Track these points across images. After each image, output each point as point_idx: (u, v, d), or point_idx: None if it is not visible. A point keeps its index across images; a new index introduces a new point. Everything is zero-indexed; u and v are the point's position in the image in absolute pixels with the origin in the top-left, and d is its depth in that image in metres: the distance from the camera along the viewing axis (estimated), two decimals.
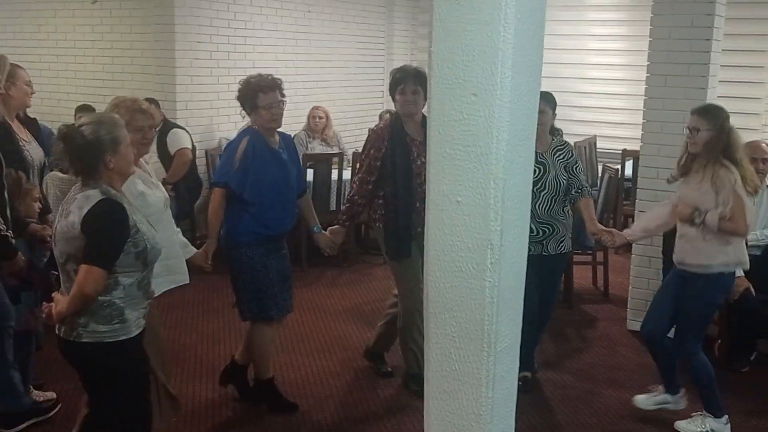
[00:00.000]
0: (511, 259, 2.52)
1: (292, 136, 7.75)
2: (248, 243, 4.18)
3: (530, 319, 3.38)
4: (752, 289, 4.82)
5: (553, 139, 4.68)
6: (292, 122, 8.62)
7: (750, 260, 4.92)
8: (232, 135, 7.79)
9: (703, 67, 5.29)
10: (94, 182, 2.90)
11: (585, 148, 8.16)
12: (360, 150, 5.12)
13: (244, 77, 4.35)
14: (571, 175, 4.64)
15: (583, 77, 9.30)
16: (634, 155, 6.95)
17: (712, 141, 3.99)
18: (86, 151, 2.87)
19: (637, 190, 5.76)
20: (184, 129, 7.00)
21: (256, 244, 4.19)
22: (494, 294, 2.47)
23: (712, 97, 5.37)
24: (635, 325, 5.70)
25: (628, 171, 7.77)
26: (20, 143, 4.35)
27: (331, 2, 9.33)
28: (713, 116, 4.03)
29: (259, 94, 4.18)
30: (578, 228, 5.96)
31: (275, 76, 4.32)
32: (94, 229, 2.82)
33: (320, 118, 8.02)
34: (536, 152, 4.13)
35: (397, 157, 4.44)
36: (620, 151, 8.14)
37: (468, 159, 2.41)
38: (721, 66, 5.55)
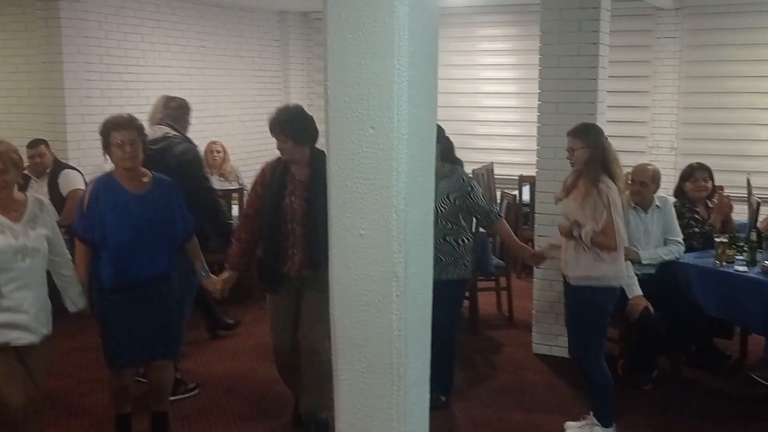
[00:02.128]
0: (416, 290, 2.51)
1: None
2: (111, 288, 4.01)
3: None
4: (651, 308, 4.98)
5: (444, 166, 4.64)
6: None
7: (645, 279, 5.12)
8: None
9: (592, 94, 5.48)
10: None
11: (483, 174, 8.30)
12: None
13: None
14: (470, 202, 4.69)
15: (477, 106, 9.50)
16: (531, 180, 7.12)
17: (590, 158, 4.22)
18: None
19: (535, 214, 5.89)
20: (76, 169, 6.76)
21: (117, 290, 4.01)
22: (401, 327, 2.45)
23: (602, 122, 5.56)
24: (541, 348, 5.82)
25: (526, 196, 7.94)
26: None
27: (225, 37, 9.27)
28: (586, 134, 4.29)
29: (112, 132, 4.01)
30: (481, 254, 6.07)
31: (134, 116, 4.16)
32: None
33: (218, 152, 7.91)
34: None
35: (269, 195, 4.32)
36: (517, 177, 8.33)
37: (368, 192, 2.40)
38: (608, 92, 5.76)
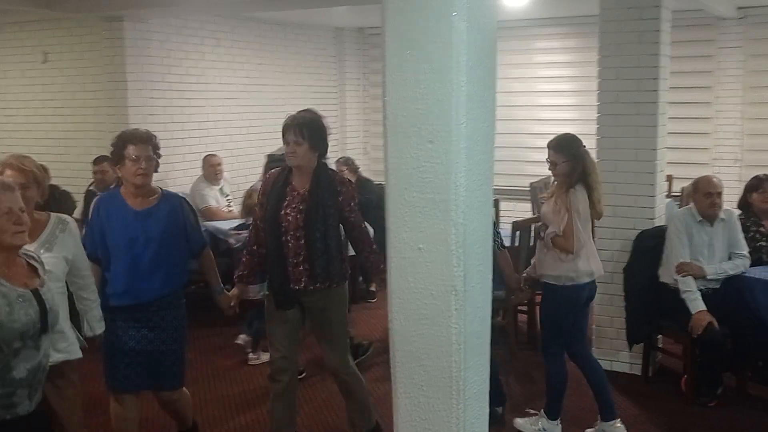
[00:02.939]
0: (475, 304, 2.51)
1: (251, 186, 7.80)
2: (114, 308, 3.87)
3: None
4: (715, 323, 4.87)
5: None
6: (248, 173, 8.62)
7: (709, 293, 5.01)
8: (187, 189, 7.78)
9: (652, 106, 5.40)
10: None
11: (540, 189, 8.23)
12: None
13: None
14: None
15: (535, 118, 9.43)
16: None
17: (571, 170, 4.42)
18: None
19: (595, 228, 5.81)
20: None
21: (120, 310, 3.87)
22: (461, 340, 2.44)
23: (662, 134, 5.48)
24: (602, 363, 5.70)
25: None
26: None
27: (283, 55, 9.40)
28: (567, 148, 4.51)
29: (129, 145, 3.87)
30: None
31: (152, 133, 4.03)
32: None
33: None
34: None
35: (268, 207, 4.16)
36: None
37: (427, 206, 2.41)
38: (670, 103, 5.67)
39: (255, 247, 4.27)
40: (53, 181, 7.27)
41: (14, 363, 2.70)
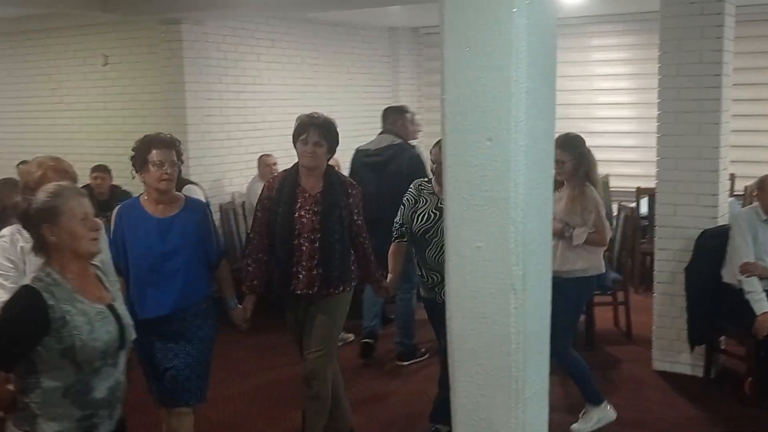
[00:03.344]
0: (534, 303, 2.48)
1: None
2: (140, 321, 3.47)
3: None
4: None
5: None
6: None
7: None
8: (244, 189, 7.87)
9: (715, 102, 5.28)
10: (45, 264, 2.63)
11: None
12: None
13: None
14: None
15: (592, 117, 9.31)
16: (649, 193, 6.92)
17: (576, 168, 4.55)
18: (27, 221, 2.64)
19: (655, 228, 5.71)
20: (197, 185, 7.03)
21: (145, 323, 3.59)
22: (520, 340, 2.42)
23: (725, 132, 5.35)
24: (662, 365, 5.63)
25: (644, 209, 7.72)
26: None
27: (337, 54, 9.44)
28: (573, 147, 4.60)
29: (153, 150, 3.71)
30: None
31: (175, 137, 3.90)
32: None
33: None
34: (439, 198, 4.32)
35: (279, 210, 4.07)
36: (634, 189, 8.11)
37: (486, 204, 2.39)
38: (733, 100, 5.54)
39: (261, 255, 4.15)
40: (114, 182, 7.49)
41: (94, 383, 2.61)
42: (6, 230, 3.29)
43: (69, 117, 8.57)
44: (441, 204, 4.31)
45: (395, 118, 6.24)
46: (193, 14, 7.22)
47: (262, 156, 7.81)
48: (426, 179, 4.61)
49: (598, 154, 9.09)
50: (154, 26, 7.64)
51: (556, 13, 2.53)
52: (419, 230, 4.35)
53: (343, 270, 4.12)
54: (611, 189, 8.51)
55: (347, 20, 9.34)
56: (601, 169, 8.75)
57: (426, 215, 4.36)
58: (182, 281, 3.75)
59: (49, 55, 8.70)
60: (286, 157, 8.40)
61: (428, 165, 6.08)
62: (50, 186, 2.71)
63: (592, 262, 4.66)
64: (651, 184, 5.96)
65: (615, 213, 7.19)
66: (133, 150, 3.79)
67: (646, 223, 7.40)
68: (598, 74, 9.33)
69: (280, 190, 4.11)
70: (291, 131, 9.11)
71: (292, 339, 4.35)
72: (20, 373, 2.57)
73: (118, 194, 7.38)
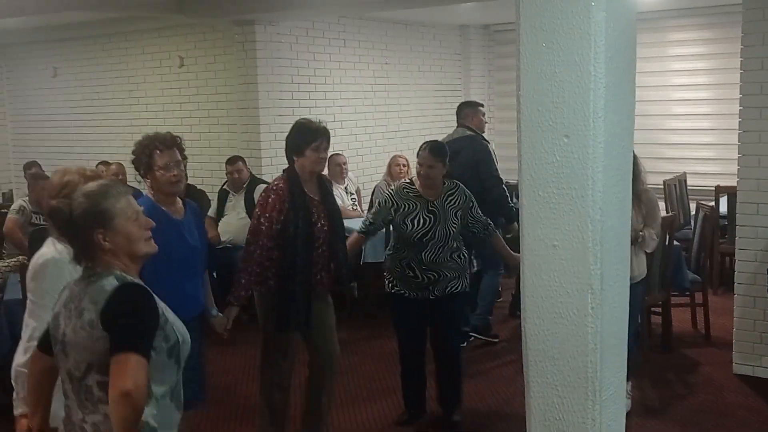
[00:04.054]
0: (613, 303, 2.43)
1: (374, 185, 7.90)
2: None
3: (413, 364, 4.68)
4: None
5: (444, 184, 4.65)
6: (373, 172, 8.72)
7: None
8: None
9: None
10: (102, 269, 2.34)
11: (675, 185, 7.92)
12: None
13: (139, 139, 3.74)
14: (470, 217, 4.67)
15: (669, 114, 9.08)
16: (729, 191, 6.71)
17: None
18: (72, 228, 2.34)
19: (737, 227, 5.54)
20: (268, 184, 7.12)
21: None
22: (597, 340, 2.37)
23: None
24: (743, 368, 5.45)
25: (723, 208, 7.49)
26: None
27: (408, 53, 9.44)
28: None
29: (156, 152, 3.54)
30: (675, 269, 5.80)
31: (175, 134, 3.72)
32: (119, 315, 2.25)
33: (403, 165, 8.03)
34: (428, 200, 4.56)
35: (299, 221, 4.04)
36: (713, 188, 7.88)
37: (562, 202, 2.35)
38: None
39: (256, 268, 4.07)
40: (189, 181, 7.64)
41: (182, 382, 2.49)
42: (48, 250, 2.98)
43: (146, 118, 8.79)
44: (432, 207, 4.54)
45: (468, 111, 6.47)
46: (266, 15, 7.31)
47: (332, 155, 7.85)
48: (409, 181, 4.74)
49: (675, 152, 9.00)
50: (228, 28, 7.78)
51: (635, 7, 2.48)
52: (415, 235, 4.51)
53: (348, 270, 4.47)
54: (689, 187, 8.30)
55: (418, 19, 9.33)
56: (679, 167, 8.66)
57: (420, 220, 4.52)
58: (195, 284, 3.69)
59: (128, 57, 8.94)
60: (355, 156, 8.48)
61: (495, 157, 6.26)
62: (93, 186, 2.41)
63: (640, 269, 4.68)
64: (731, 182, 5.78)
65: (693, 212, 6.99)
66: (134, 153, 3.63)
67: (726, 223, 7.18)
68: (676, 70, 9.09)
69: (292, 202, 4.07)
70: (361, 130, 9.15)
71: (283, 339, 4.23)
72: None
73: (192, 193, 7.52)
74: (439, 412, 4.85)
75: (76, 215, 2.31)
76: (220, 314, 4.00)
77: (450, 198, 4.61)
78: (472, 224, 4.70)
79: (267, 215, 4.06)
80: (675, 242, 5.69)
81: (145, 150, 3.57)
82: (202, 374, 3.79)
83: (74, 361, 2.31)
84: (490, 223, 4.78)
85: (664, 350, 5.93)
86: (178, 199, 3.69)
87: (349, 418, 5.01)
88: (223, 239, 6.94)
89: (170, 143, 3.60)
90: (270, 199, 4.09)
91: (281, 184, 4.14)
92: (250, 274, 4.05)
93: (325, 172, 7.70)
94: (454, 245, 4.61)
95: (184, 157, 3.68)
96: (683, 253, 6.15)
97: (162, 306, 2.37)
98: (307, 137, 4.16)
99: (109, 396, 2.18)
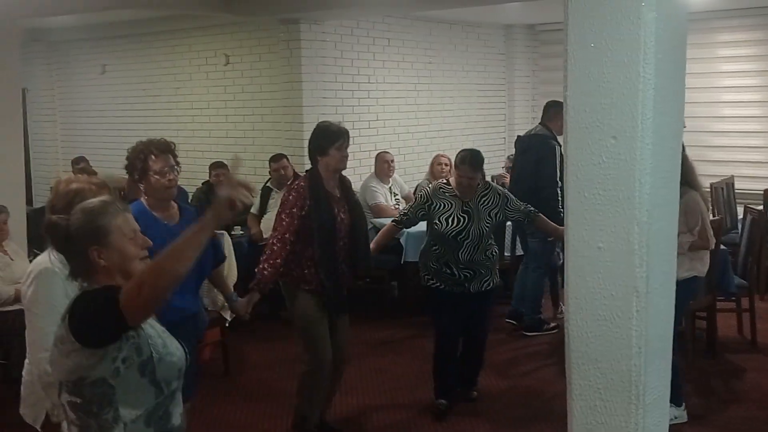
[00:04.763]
0: (658, 306, 2.41)
1: (416, 184, 7.90)
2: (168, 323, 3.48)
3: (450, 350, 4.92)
4: None
5: (478, 185, 4.86)
6: (415, 172, 8.72)
7: None
8: (357, 187, 7.95)
9: None
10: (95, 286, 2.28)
11: (722, 189, 7.79)
12: None
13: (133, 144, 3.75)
14: (509, 211, 4.90)
15: (716, 116, 8.94)
16: None
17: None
18: (68, 244, 2.31)
19: None
20: None
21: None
22: (641, 344, 2.35)
23: None
24: None
25: None
26: None
27: (452, 53, 9.42)
28: None
29: (151, 157, 3.59)
30: (721, 273, 5.72)
31: (168, 140, 3.72)
32: (84, 304, 2.20)
33: (445, 165, 8.03)
34: (463, 201, 4.79)
35: (322, 215, 4.24)
36: (761, 192, 7.74)
37: (608, 203, 2.33)
38: None
39: (279, 260, 4.22)
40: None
41: (171, 408, 2.34)
42: (44, 260, 3.00)
43: (191, 115, 8.90)
44: (467, 207, 4.78)
45: (554, 111, 6.50)
46: (312, 14, 7.36)
47: (380, 153, 7.89)
48: (446, 181, 4.98)
49: (722, 155, 8.85)
50: (274, 26, 7.84)
51: (687, 7, 2.45)
52: (449, 233, 4.74)
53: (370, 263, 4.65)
54: (736, 191, 8.16)
55: (463, 18, 9.31)
56: (726, 170, 8.52)
57: (454, 219, 4.75)
58: (187, 289, 3.67)
59: (174, 55, 9.06)
60: (398, 155, 8.49)
61: (560, 160, 6.31)
62: (92, 202, 2.36)
63: (694, 266, 4.69)
64: None
65: (740, 216, 6.87)
66: (128, 159, 3.66)
67: None
68: (724, 71, 8.94)
69: (315, 198, 4.25)
70: (404, 129, 9.13)
71: (323, 337, 4.40)
72: (94, 412, 2.21)
73: None
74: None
75: (72, 231, 2.28)
76: (240, 299, 4.23)
77: (483, 199, 4.84)
78: (513, 215, 4.99)
79: (287, 211, 4.26)
80: (721, 246, 5.60)
81: (140, 155, 3.61)
82: (193, 372, 3.75)
83: (54, 378, 2.29)
84: (530, 209, 4.95)
85: (709, 356, 5.84)
86: (173, 204, 3.74)
87: (390, 415, 5.03)
88: (265, 236, 6.98)
89: (165, 148, 3.64)
90: (291, 197, 4.29)
91: (302, 183, 4.35)
92: (273, 266, 4.23)
93: (373, 169, 7.84)
94: (488, 243, 4.87)
95: (177, 163, 3.72)
96: (730, 257, 6.05)
97: (149, 322, 2.30)
98: (331, 137, 4.35)
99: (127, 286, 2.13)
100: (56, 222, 2.31)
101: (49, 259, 2.95)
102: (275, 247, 4.24)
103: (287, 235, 4.23)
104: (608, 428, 2.44)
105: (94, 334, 2.14)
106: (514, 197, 4.98)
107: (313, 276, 4.30)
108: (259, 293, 4.27)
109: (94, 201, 2.38)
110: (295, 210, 4.25)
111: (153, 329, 2.32)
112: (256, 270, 4.30)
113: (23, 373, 3.16)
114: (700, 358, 5.75)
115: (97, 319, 2.14)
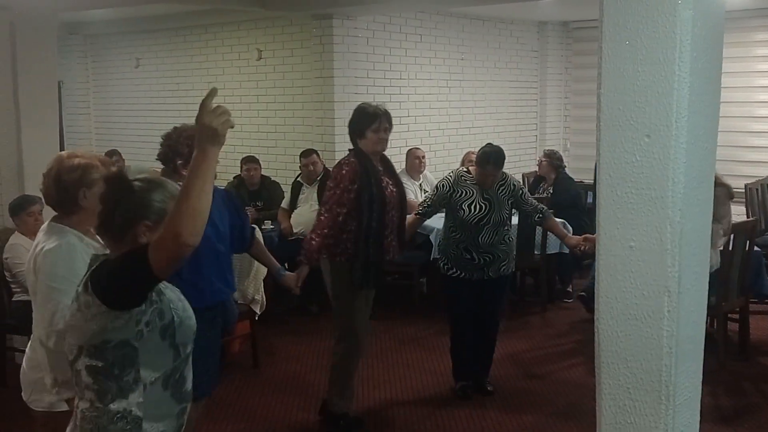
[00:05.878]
0: (689, 307, 2.39)
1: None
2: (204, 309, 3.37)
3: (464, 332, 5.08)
4: None
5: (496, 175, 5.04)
6: (445, 168, 8.70)
7: None
8: None
9: None
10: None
11: (757, 189, 7.70)
12: None
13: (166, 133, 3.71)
14: (522, 203, 5.09)
15: (751, 116, 8.83)
16: None
17: None
18: (121, 204, 2.27)
19: None
20: None
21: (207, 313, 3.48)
22: (672, 344, 2.34)
23: None
24: None
25: None
26: None
27: (484, 49, 9.39)
28: None
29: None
30: (755, 275, 5.66)
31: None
32: (111, 267, 2.17)
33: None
34: (483, 189, 4.96)
35: (374, 188, 4.34)
36: None
37: (641, 202, 2.32)
38: None
39: (328, 231, 4.31)
40: (264, 172, 7.77)
41: (185, 372, 2.37)
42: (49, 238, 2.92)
43: None
44: (487, 195, 4.94)
45: None
46: (344, 9, 7.37)
47: (411, 149, 7.89)
48: (466, 170, 5.13)
49: (757, 155, 8.74)
50: (306, 21, 7.86)
51: (723, 6, 2.42)
52: (472, 219, 4.91)
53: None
54: None
55: (496, 15, 9.27)
56: (761, 171, 8.40)
57: (476, 206, 4.92)
58: (225, 267, 3.79)
59: (207, 49, 9.13)
60: (428, 152, 8.48)
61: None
62: (168, 183, 2.40)
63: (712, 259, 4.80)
64: None
65: None
66: (167, 146, 3.62)
67: None
68: (761, 71, 8.82)
69: (366, 174, 4.34)
70: (434, 126, 9.14)
71: (363, 319, 4.55)
72: (115, 374, 2.21)
73: (267, 184, 7.65)
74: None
75: (136, 197, 2.25)
76: (289, 272, 4.32)
77: (501, 188, 5.02)
78: (525, 208, 5.14)
79: (341, 185, 4.34)
80: (755, 248, 5.53)
81: (186, 140, 3.48)
82: (215, 366, 3.82)
83: (68, 345, 2.27)
84: (543, 208, 5.16)
85: (741, 358, 5.78)
86: None
87: (414, 410, 5.04)
88: (295, 230, 7.03)
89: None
90: (344, 171, 4.37)
91: (352, 158, 4.42)
92: (321, 237, 4.33)
93: (403, 165, 7.85)
94: (505, 229, 5.04)
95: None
96: (764, 259, 5.98)
97: (164, 284, 2.28)
98: (367, 120, 4.41)
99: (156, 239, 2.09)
100: (131, 183, 2.26)
101: (50, 234, 2.88)
102: (322, 218, 4.37)
103: (336, 207, 4.34)
104: (637, 428, 2.44)
105: (123, 295, 2.13)
106: (528, 192, 5.24)
107: (356, 249, 4.36)
108: (308, 265, 4.35)
109: (169, 182, 2.42)
110: (346, 183, 4.33)
111: (174, 293, 2.35)
112: (302, 241, 4.49)
113: (26, 351, 3.03)
114: (731, 360, 5.68)
115: (125, 278, 2.12)
